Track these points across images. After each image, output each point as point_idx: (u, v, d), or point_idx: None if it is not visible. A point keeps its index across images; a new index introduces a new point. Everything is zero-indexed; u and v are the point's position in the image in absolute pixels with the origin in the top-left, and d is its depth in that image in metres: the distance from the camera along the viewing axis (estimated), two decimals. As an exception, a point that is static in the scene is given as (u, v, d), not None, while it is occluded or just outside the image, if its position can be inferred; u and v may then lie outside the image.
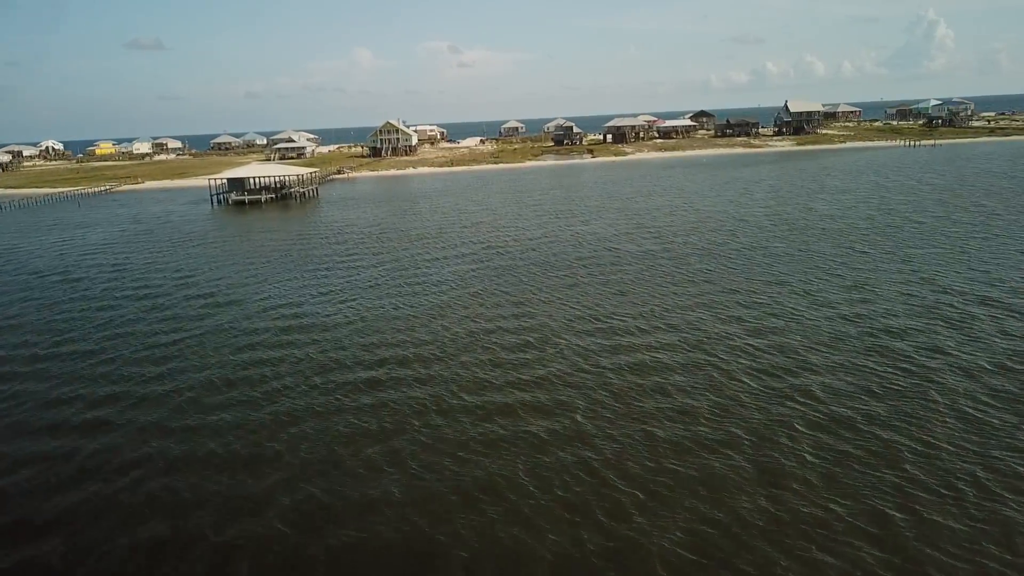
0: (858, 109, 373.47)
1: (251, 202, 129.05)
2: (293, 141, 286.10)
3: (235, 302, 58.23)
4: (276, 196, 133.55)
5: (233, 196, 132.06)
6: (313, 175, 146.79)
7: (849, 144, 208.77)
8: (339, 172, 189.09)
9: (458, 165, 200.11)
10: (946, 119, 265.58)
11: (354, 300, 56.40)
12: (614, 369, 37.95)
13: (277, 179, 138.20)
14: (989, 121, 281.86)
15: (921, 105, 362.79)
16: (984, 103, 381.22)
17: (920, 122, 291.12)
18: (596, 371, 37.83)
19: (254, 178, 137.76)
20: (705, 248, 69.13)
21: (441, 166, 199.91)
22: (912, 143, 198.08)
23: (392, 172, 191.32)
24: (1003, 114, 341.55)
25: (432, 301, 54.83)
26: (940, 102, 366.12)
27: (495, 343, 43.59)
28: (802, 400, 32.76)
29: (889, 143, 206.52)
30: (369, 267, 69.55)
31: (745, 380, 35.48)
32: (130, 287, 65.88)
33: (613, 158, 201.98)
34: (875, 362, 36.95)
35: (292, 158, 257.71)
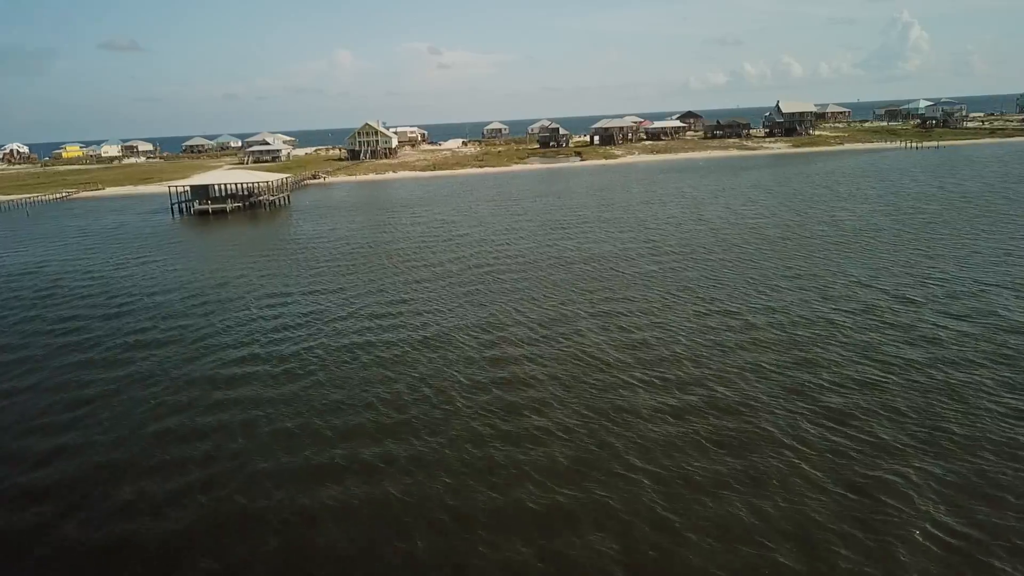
0: (847, 110, 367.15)
1: (215, 212, 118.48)
2: (267, 144, 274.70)
3: (171, 341, 48.28)
4: (243, 205, 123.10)
5: (196, 205, 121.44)
6: (285, 181, 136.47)
7: (847, 146, 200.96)
8: (314, 177, 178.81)
9: (440, 169, 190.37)
10: (940, 120, 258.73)
11: (313, 340, 46.56)
12: (647, 466, 28.16)
13: (245, 186, 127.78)
14: (983, 122, 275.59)
15: (911, 105, 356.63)
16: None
17: (914, 123, 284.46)
18: (621, 468, 28.18)
19: (219, 185, 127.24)
20: (726, 273, 59.74)
21: (423, 170, 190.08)
22: (914, 145, 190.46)
23: (371, 177, 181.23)
24: (992, 114, 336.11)
25: (404, 343, 45.07)
26: (931, 103, 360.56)
27: (481, 412, 33.92)
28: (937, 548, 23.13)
29: (888, 145, 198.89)
30: (336, 293, 59.73)
31: (834, 494, 25.90)
32: (50, 318, 55.63)
33: (603, 161, 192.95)
34: None
35: (267, 161, 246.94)
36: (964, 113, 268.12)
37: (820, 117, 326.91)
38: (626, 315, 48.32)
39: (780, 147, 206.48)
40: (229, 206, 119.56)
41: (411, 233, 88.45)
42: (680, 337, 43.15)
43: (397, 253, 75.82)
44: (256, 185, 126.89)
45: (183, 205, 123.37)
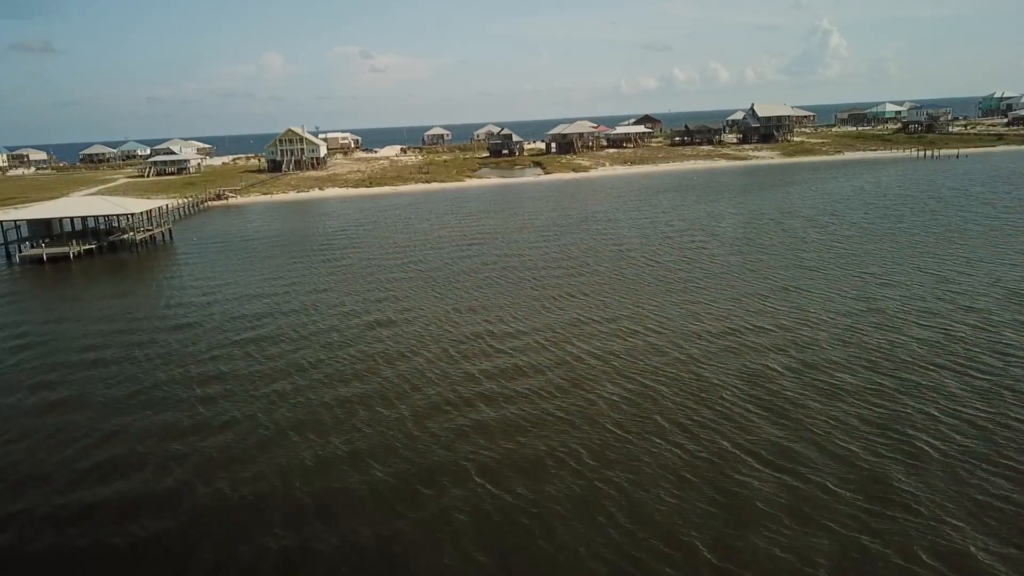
0: (812, 113, 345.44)
1: (54, 258, 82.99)
2: (174, 153, 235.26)
3: None
4: (100, 246, 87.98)
5: (27, 249, 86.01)
6: (164, 209, 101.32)
7: (848, 155, 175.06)
8: (219, 197, 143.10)
9: (377, 184, 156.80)
10: (924, 124, 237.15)
11: None
12: None
13: (105, 219, 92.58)
14: (967, 127, 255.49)
15: (876, 110, 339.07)
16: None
17: (895, 127, 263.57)
18: None
19: (68, 219, 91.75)
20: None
21: (356, 186, 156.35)
22: (927, 153, 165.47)
23: (291, 196, 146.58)
24: (957, 118, 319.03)
25: None
26: (899, 106, 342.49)
27: None
28: None
29: (895, 154, 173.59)
30: (180, 458, 27.05)
31: None
32: None
33: (572, 175, 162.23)
34: None
35: (172, 174, 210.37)
36: (950, 117, 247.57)
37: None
38: None
39: (771, 156, 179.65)
40: (75, 249, 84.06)
41: (327, 307, 55.49)
42: None
43: (300, 354, 42.91)
44: (122, 218, 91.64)
45: (15, 246, 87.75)
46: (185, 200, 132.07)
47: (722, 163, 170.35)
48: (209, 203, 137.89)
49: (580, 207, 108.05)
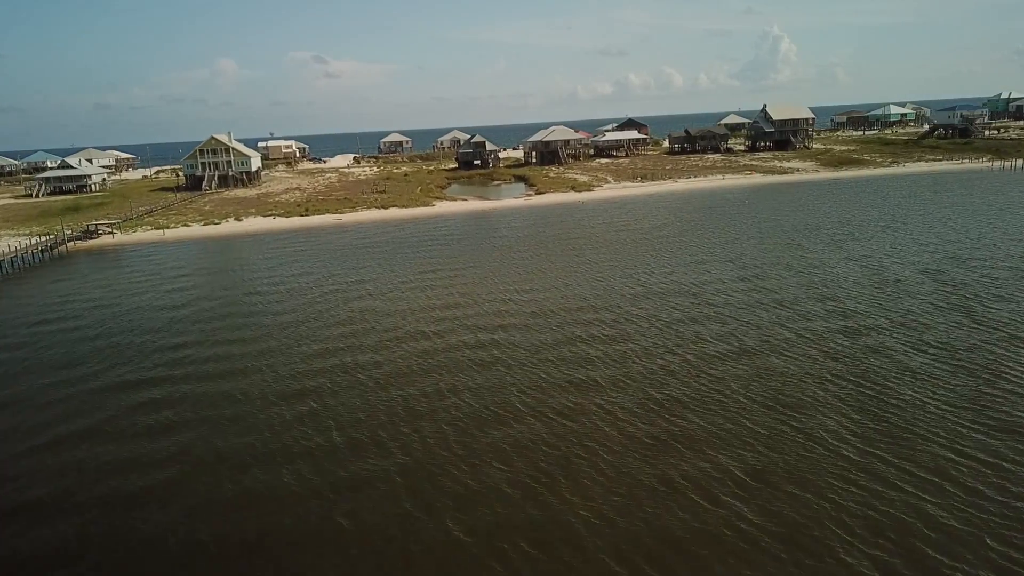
0: (812, 116, 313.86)
1: None
2: (72, 168, 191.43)
3: None
4: None
5: None
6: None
7: (909, 167, 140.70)
8: (89, 233, 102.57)
9: (315, 211, 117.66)
10: (958, 128, 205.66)
11: None
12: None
13: None
14: (999, 131, 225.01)
15: (880, 112, 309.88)
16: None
17: (921, 130, 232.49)
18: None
19: None
20: None
21: (288, 213, 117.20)
22: (1013, 164, 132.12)
23: (195, 230, 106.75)
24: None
25: None
26: (903, 108, 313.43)
27: None
28: None
29: (965, 165, 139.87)
30: None
31: None
32: None
33: (573, 196, 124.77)
34: None
35: (69, 192, 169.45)
36: (985, 120, 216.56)
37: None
38: None
39: (811, 169, 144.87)
40: None
41: None
42: None
43: None
44: None
45: None
46: (38, 240, 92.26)
47: (757, 178, 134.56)
48: (73, 243, 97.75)
49: (622, 262, 70.35)
